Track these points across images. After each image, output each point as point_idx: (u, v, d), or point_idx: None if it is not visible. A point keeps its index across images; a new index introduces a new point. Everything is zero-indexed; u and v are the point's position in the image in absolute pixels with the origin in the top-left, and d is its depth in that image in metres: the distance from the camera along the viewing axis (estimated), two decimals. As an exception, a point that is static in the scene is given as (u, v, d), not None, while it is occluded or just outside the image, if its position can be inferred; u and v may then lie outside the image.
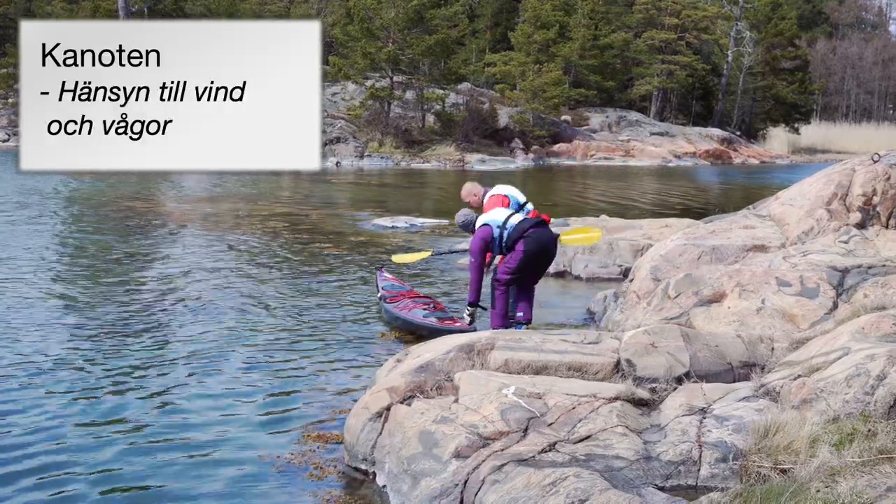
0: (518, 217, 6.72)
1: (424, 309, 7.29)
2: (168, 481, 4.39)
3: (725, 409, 4.37)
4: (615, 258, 10.01)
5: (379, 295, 7.86)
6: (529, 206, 7.14)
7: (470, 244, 6.87)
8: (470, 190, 7.41)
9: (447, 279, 9.56)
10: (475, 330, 6.34)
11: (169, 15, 38.22)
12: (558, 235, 7.04)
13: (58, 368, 6.08)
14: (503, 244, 6.66)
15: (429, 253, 8.11)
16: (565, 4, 40.68)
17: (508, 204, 6.96)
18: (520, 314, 6.76)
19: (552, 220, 7.52)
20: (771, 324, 5.95)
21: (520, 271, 6.62)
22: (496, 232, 6.65)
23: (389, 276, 8.41)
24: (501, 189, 7.22)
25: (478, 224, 6.83)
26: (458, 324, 6.87)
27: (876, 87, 66.50)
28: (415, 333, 6.99)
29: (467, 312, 6.92)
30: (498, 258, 6.88)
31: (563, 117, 38.47)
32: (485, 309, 7.02)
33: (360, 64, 31.58)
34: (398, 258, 8.87)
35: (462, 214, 7.20)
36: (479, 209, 7.29)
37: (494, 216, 6.75)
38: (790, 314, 6.04)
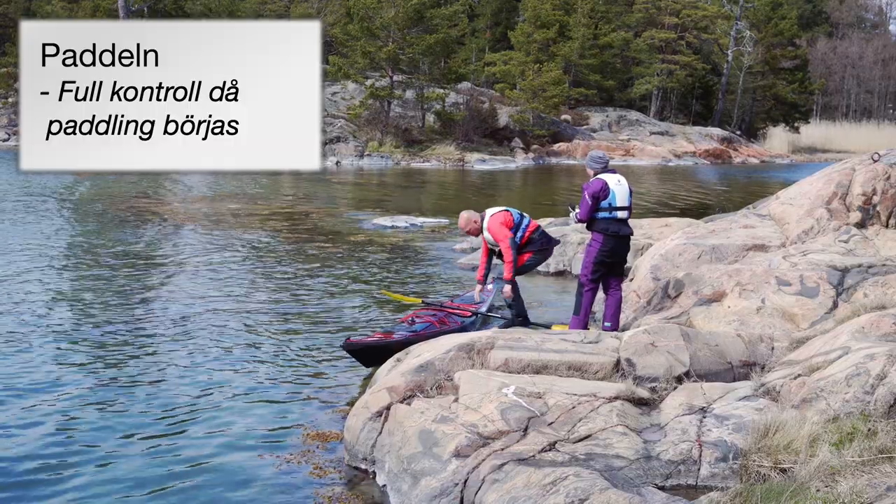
0: (533, 224, 7.07)
1: (413, 321, 6.81)
2: (170, 481, 4.40)
3: (725, 408, 4.37)
4: (615, 258, 9.98)
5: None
6: (527, 218, 7.15)
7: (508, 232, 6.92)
8: (468, 218, 7.24)
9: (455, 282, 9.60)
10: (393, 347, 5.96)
11: (169, 15, 38.21)
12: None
13: (55, 368, 6.08)
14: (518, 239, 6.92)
15: (419, 301, 8.01)
16: (565, 4, 40.64)
17: (513, 219, 6.95)
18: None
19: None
20: (771, 323, 5.95)
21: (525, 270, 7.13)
22: (517, 218, 6.97)
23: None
24: (499, 208, 7.10)
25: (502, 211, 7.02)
26: (369, 339, 6.35)
27: (876, 86, 66.38)
28: None
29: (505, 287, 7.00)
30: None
31: (563, 117, 38.45)
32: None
33: (360, 63, 31.57)
34: (388, 293, 8.67)
35: (600, 152, 6.91)
36: (480, 235, 7.23)
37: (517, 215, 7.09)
38: (790, 313, 6.04)
